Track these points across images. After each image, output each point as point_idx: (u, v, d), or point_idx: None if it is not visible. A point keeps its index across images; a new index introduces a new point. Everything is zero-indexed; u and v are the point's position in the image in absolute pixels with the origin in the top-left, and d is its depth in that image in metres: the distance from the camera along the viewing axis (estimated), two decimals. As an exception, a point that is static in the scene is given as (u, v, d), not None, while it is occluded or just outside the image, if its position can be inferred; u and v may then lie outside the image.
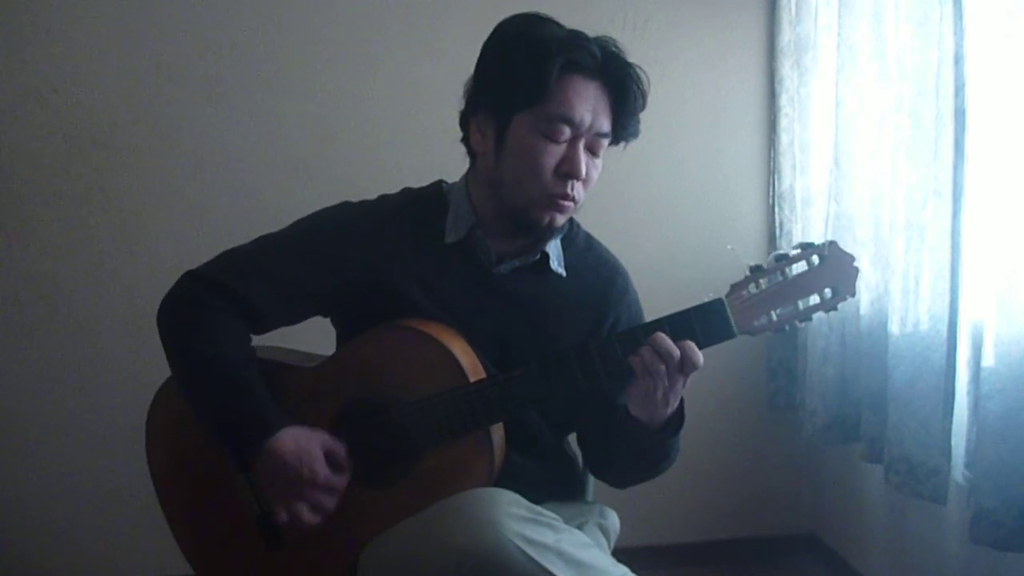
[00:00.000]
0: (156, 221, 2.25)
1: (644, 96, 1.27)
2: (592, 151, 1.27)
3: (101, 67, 2.19)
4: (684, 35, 2.39)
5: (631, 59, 1.28)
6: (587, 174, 1.26)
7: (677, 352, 1.16)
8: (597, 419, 1.35)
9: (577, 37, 1.25)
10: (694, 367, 1.18)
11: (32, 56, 2.17)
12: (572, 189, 1.25)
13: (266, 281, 1.29)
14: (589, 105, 1.23)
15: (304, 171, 2.27)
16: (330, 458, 1.23)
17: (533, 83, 1.22)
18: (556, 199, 1.25)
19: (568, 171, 1.24)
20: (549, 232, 1.30)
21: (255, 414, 1.22)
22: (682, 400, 1.25)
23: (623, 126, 1.28)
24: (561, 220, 1.29)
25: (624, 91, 1.26)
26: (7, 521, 2.26)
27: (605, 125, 1.26)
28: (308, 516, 1.21)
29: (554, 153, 1.24)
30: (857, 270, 1.21)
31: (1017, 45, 1.53)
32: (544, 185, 1.25)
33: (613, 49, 1.27)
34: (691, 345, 1.17)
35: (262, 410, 1.23)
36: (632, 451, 1.32)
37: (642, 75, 1.27)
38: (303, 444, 1.21)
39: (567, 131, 1.23)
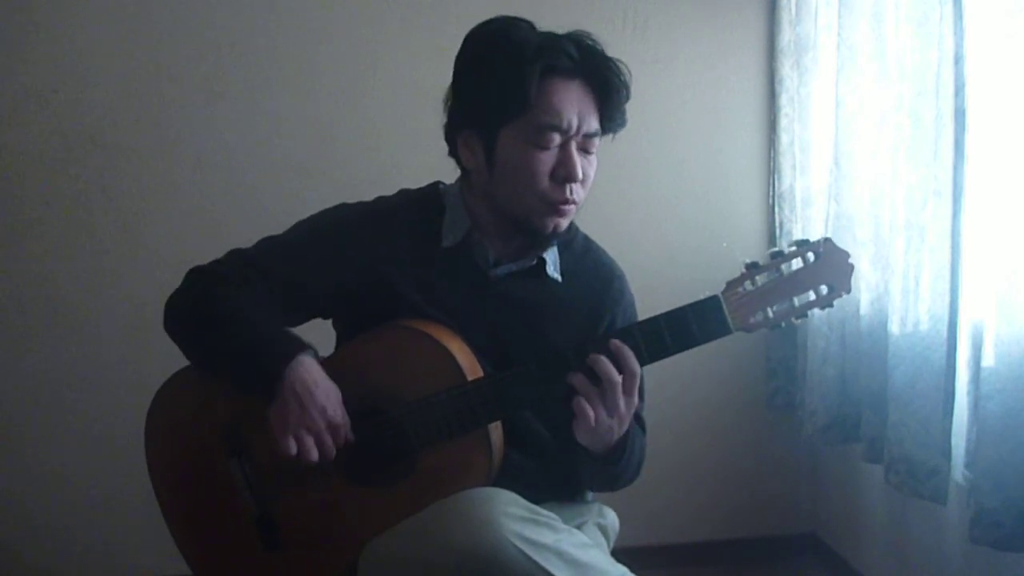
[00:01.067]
0: (156, 221, 2.25)
1: (627, 87, 1.27)
2: (585, 150, 1.26)
3: (101, 67, 2.19)
4: (684, 35, 2.39)
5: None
6: (584, 174, 1.26)
7: (617, 376, 1.16)
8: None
9: (551, 39, 1.24)
10: (635, 379, 1.17)
11: (32, 56, 2.17)
12: (571, 193, 1.25)
13: (269, 283, 1.29)
14: (574, 107, 1.23)
15: (304, 171, 2.27)
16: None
17: (514, 96, 1.21)
18: (557, 204, 1.25)
19: (565, 176, 1.24)
20: (554, 237, 1.30)
21: (281, 338, 1.23)
22: (627, 433, 1.24)
23: (610, 119, 1.27)
24: (565, 224, 1.29)
25: (607, 86, 1.25)
26: (7, 521, 2.26)
27: (594, 124, 1.25)
28: (313, 451, 1.20)
29: (547, 160, 1.23)
30: (852, 267, 1.21)
31: (1017, 45, 1.53)
32: (542, 193, 1.24)
33: (589, 43, 1.25)
34: (628, 357, 1.17)
35: (288, 335, 1.24)
36: (585, 471, 1.33)
37: (622, 67, 1.26)
38: (328, 381, 1.21)
39: (556, 137, 1.23)
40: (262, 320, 1.25)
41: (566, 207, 1.26)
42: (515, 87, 1.20)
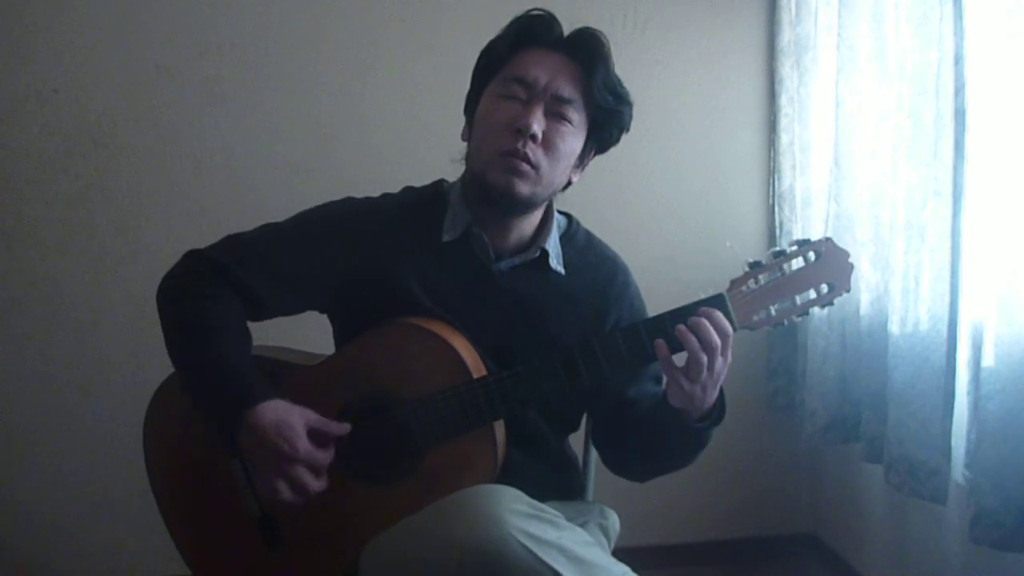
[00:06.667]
0: (156, 221, 2.25)
1: (606, 60, 1.28)
2: (559, 115, 1.26)
3: (101, 67, 2.19)
4: (684, 35, 2.39)
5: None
6: (548, 140, 1.25)
7: (718, 340, 1.16)
8: (612, 414, 1.35)
9: (544, 15, 1.29)
10: (729, 339, 1.17)
11: (32, 56, 2.17)
12: (524, 146, 1.24)
13: (266, 269, 1.29)
14: (546, 69, 1.26)
15: (304, 171, 2.27)
16: (314, 435, 1.21)
17: (494, 55, 1.28)
18: (508, 156, 1.24)
19: (519, 125, 1.24)
20: (509, 200, 1.26)
21: (239, 384, 1.21)
22: (722, 390, 1.24)
23: (589, 88, 1.27)
24: (521, 187, 1.25)
25: (588, 55, 1.27)
26: (7, 521, 2.26)
27: (565, 90, 1.26)
28: (287, 493, 1.20)
29: (508, 111, 1.25)
30: (852, 266, 1.22)
31: (1017, 45, 1.53)
32: (497, 142, 1.25)
33: (584, 28, 1.29)
34: (721, 318, 1.17)
35: (246, 381, 1.22)
36: (669, 443, 1.30)
37: (604, 40, 1.29)
38: (283, 417, 1.20)
39: (521, 91, 1.25)
40: (228, 354, 1.24)
41: (515, 160, 1.24)
42: (496, 47, 1.28)
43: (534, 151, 1.24)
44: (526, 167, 1.25)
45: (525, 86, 1.25)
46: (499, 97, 1.26)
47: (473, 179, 1.30)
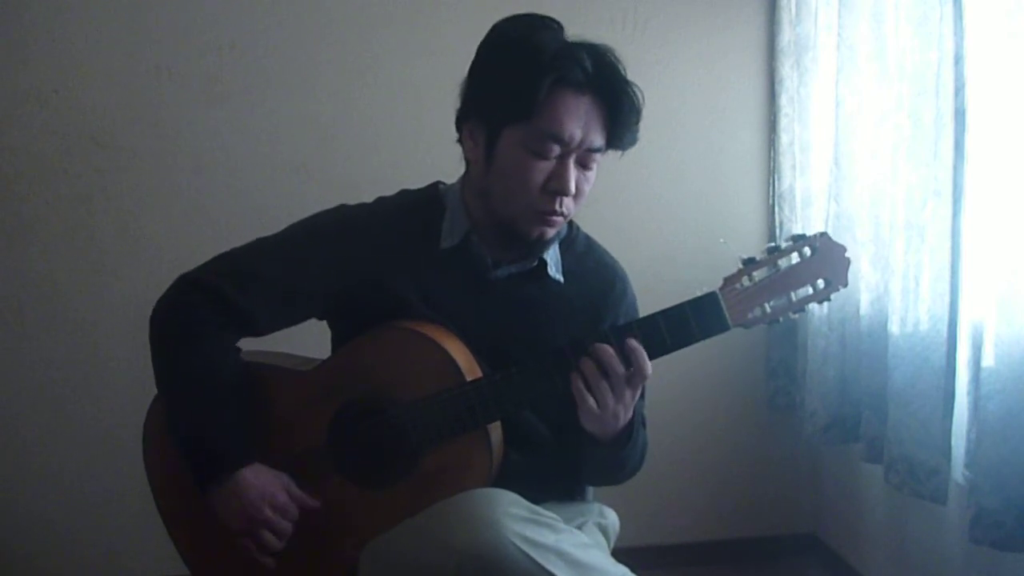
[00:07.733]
0: (156, 221, 2.25)
1: (638, 111, 1.25)
2: (583, 165, 1.25)
3: (101, 67, 2.19)
4: (684, 35, 2.39)
5: (629, 61, 1.26)
6: (578, 189, 1.25)
7: (621, 369, 1.17)
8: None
9: (570, 49, 1.22)
10: (643, 377, 1.18)
11: (32, 56, 2.17)
12: (560, 205, 1.24)
13: (262, 286, 1.28)
14: (580, 121, 1.21)
15: (303, 171, 2.27)
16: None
17: (522, 99, 1.19)
18: (544, 215, 1.25)
19: (557, 188, 1.23)
20: (539, 244, 1.29)
21: (225, 444, 1.24)
22: (634, 413, 1.24)
23: (617, 138, 1.26)
24: (551, 233, 1.28)
25: (618, 106, 1.23)
26: (7, 521, 2.26)
27: (597, 140, 1.24)
28: (272, 541, 1.25)
29: (543, 169, 1.22)
30: (848, 260, 1.20)
31: (1017, 45, 1.53)
32: (532, 201, 1.24)
33: (609, 59, 1.24)
34: (640, 354, 1.17)
35: (232, 441, 1.24)
36: (589, 461, 1.32)
37: (637, 90, 1.24)
38: (264, 485, 1.24)
39: (556, 148, 1.22)
40: (213, 412, 1.25)
41: (553, 218, 1.25)
42: (524, 91, 1.19)
43: (567, 204, 1.25)
44: (559, 219, 1.26)
45: (561, 144, 1.22)
46: (531, 153, 1.22)
47: (492, 215, 1.29)
